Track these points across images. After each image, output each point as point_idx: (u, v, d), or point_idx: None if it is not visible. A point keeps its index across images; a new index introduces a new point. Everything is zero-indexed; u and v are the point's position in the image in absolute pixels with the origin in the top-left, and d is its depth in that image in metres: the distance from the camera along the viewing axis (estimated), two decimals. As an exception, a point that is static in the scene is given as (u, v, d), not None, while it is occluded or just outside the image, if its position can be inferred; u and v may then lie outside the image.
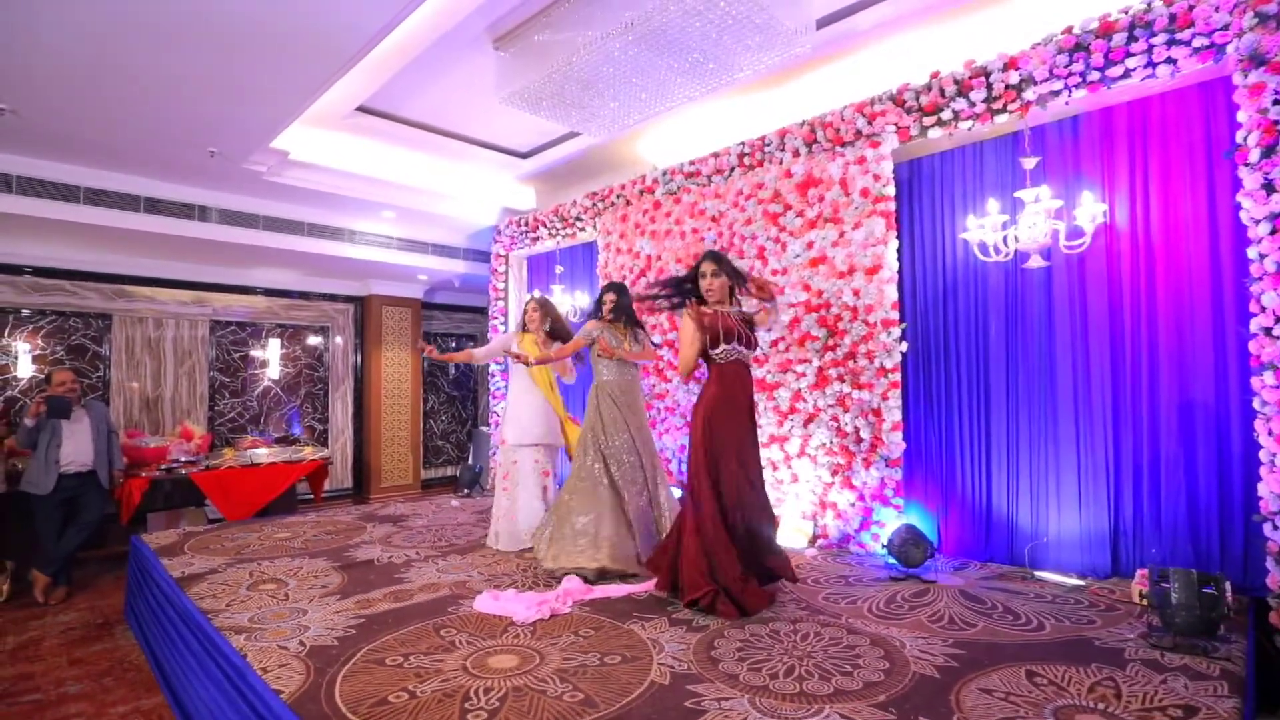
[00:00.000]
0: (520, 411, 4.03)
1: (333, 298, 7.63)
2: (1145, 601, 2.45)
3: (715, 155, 4.53)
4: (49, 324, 5.86)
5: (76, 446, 4.36)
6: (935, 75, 3.45)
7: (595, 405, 3.53)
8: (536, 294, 4.79)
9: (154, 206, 5.13)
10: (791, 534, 3.92)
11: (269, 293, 7.12)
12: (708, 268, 2.98)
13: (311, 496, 6.05)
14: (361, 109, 4.61)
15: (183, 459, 5.30)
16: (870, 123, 3.71)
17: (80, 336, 6.02)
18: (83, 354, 6.02)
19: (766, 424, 4.09)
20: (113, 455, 4.60)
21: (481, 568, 3.41)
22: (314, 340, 7.58)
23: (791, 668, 2.15)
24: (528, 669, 2.15)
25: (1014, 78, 3.19)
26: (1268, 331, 2.59)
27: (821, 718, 1.82)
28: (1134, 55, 2.91)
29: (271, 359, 7.22)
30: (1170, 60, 2.85)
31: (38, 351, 5.77)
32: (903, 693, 1.96)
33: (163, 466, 5.11)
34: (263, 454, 5.66)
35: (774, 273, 4.12)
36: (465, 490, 6.05)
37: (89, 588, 4.45)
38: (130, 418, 6.19)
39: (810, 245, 3.97)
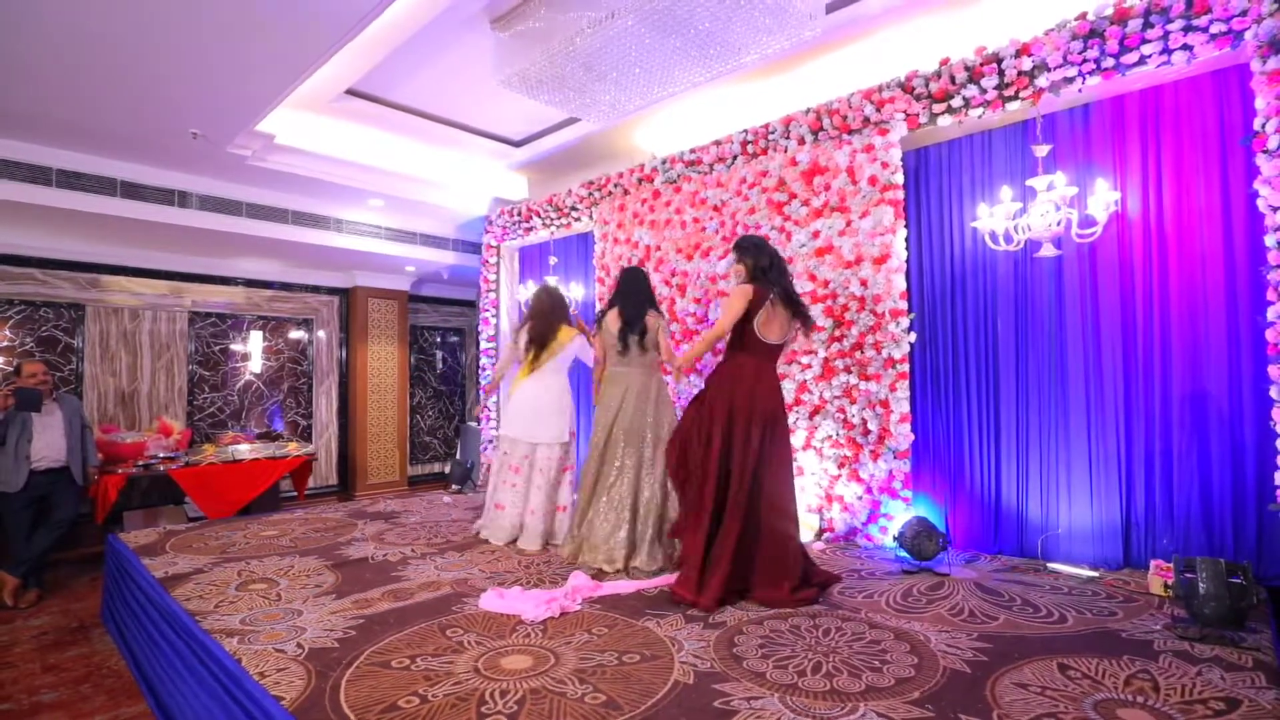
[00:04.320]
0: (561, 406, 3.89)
1: (317, 289, 7.41)
2: (1170, 592, 2.42)
3: (717, 143, 4.44)
4: (17, 314, 5.58)
5: (48, 442, 4.15)
6: (945, 62, 3.40)
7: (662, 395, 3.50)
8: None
9: (132, 191, 4.90)
10: (797, 528, 3.86)
11: (251, 284, 6.88)
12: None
13: (294, 494, 5.86)
14: (351, 92, 4.44)
15: (161, 455, 5.09)
16: (878, 110, 3.65)
17: (51, 328, 5.75)
18: (54, 346, 5.75)
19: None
20: (87, 451, 4.39)
21: (482, 565, 3.29)
22: (297, 333, 7.35)
23: (819, 664, 2.07)
24: (543, 670, 2.04)
25: (1027, 64, 3.14)
26: (1287, 319, 2.57)
27: (858, 716, 1.74)
28: (1149, 41, 2.87)
29: (253, 352, 6.99)
30: (1186, 47, 2.82)
31: (5, 343, 5.49)
32: (937, 689, 1.89)
33: (140, 463, 4.89)
34: (245, 450, 5.46)
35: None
36: (457, 486, 5.91)
37: (62, 590, 4.23)
38: (105, 413, 5.94)
39: (816, 235, 3.90)
